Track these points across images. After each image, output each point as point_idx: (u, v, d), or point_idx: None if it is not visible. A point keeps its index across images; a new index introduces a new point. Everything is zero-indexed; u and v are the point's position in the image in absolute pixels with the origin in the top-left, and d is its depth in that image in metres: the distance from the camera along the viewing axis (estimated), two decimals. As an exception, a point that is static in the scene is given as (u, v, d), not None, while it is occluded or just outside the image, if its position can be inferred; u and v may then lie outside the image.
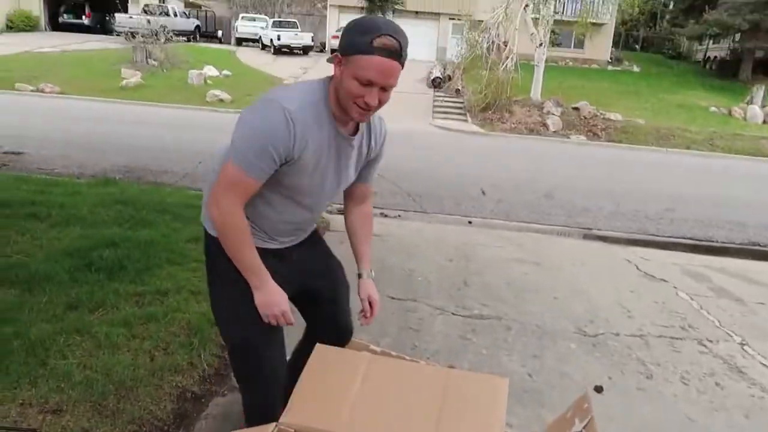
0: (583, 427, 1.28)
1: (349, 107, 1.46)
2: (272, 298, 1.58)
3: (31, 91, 15.42)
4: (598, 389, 2.74)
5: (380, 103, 1.46)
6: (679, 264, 5.04)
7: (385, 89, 1.44)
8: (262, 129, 1.44)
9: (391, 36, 1.38)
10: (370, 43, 1.37)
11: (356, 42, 1.40)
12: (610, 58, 27.29)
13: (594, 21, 22.08)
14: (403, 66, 1.43)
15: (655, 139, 15.13)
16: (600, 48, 26.40)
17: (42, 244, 3.90)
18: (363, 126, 1.62)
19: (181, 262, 3.76)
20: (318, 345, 1.58)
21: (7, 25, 26.41)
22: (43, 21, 28.09)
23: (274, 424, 1.39)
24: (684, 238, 6.16)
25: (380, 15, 5.03)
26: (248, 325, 1.62)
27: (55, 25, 28.31)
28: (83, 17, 28.37)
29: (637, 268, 4.81)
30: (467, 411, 1.37)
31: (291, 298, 1.70)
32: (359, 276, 1.81)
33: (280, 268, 1.66)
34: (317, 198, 1.66)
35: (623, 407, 2.65)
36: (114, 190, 5.63)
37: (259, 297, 1.58)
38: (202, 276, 3.56)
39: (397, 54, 1.40)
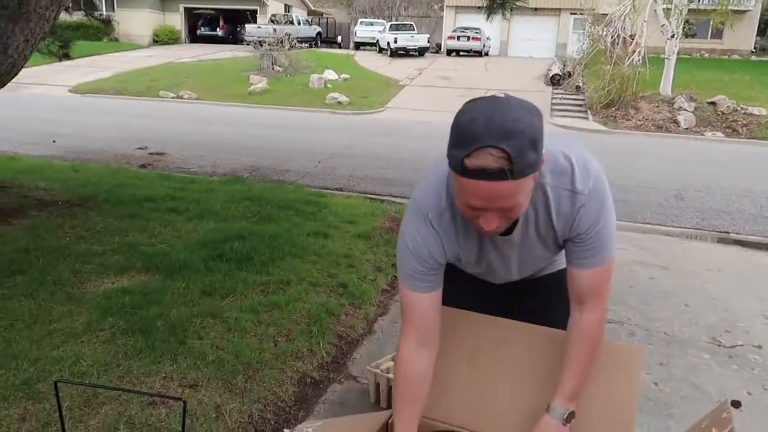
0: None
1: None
2: None
3: (172, 97, 16.91)
4: (736, 404, 2.51)
5: (508, 220, 1.13)
6: (835, 274, 4.48)
7: (506, 210, 1.08)
8: (410, 238, 1.27)
9: (492, 148, 0.99)
10: (461, 162, 1.01)
11: (451, 155, 1.05)
12: (754, 48, 24.80)
13: (736, 8, 20.17)
14: (523, 176, 1.02)
15: (807, 135, 13.52)
16: (742, 37, 24.05)
17: (181, 235, 4.28)
18: (534, 210, 1.24)
19: (302, 255, 3.96)
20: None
21: (153, 39, 29.21)
22: (183, 34, 30.74)
23: (389, 412, 1.42)
24: (843, 246, 5.45)
25: (499, 13, 4.86)
26: None
27: (194, 38, 30.87)
28: (218, 29, 30.66)
29: (784, 276, 4.34)
30: (599, 379, 1.31)
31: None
32: (546, 409, 1.27)
33: (479, 285, 1.55)
34: (497, 278, 1.47)
35: (765, 426, 2.41)
36: (242, 188, 6.03)
37: None
38: (321, 268, 3.75)
39: (501, 173, 1.00)
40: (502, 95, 1.08)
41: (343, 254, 4.07)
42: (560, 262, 1.55)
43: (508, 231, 1.26)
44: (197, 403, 2.26)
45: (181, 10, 30.19)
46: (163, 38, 29.37)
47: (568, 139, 1.30)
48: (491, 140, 0.99)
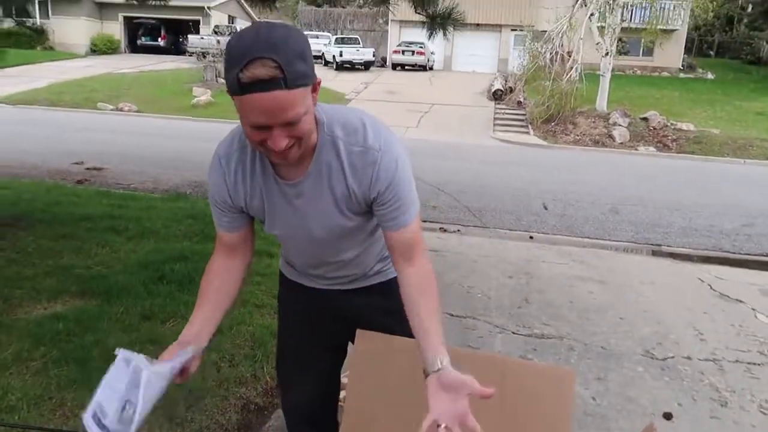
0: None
1: (263, 152, 1.19)
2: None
3: (111, 109, 16.38)
4: (668, 416, 2.63)
5: (297, 138, 1.13)
6: (757, 284, 4.76)
7: (290, 124, 1.09)
8: (209, 180, 1.36)
9: (262, 59, 1.02)
10: (237, 81, 1.04)
11: (228, 79, 1.08)
12: (682, 66, 26.21)
13: (664, 27, 21.31)
14: (295, 87, 1.05)
15: (731, 149, 14.38)
16: (671, 55, 25.40)
17: (120, 257, 4.14)
18: (326, 163, 1.25)
19: (246, 275, 3.89)
20: (359, 332, 1.46)
21: (91, 48, 28.27)
22: (123, 44, 29.89)
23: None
24: (764, 256, 5.81)
25: (440, 31, 4.94)
26: (279, 358, 1.71)
27: (134, 48, 30.07)
28: (159, 39, 29.97)
29: (711, 287, 4.58)
30: (530, 404, 1.33)
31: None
32: (427, 373, 1.18)
33: (309, 306, 1.60)
34: (304, 247, 1.45)
35: (694, 435, 2.53)
36: (185, 205, 5.90)
37: None
38: (265, 289, 3.70)
39: (275, 81, 1.03)
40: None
41: (288, 274, 4.02)
42: (383, 271, 1.55)
43: (299, 175, 1.28)
44: (135, 437, 2.18)
45: (121, 19, 29.37)
46: (101, 47, 28.48)
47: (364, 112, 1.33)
48: (260, 52, 1.02)
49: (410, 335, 1.46)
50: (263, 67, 1.02)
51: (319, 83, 1.15)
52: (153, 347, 2.82)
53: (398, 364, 1.42)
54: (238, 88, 1.05)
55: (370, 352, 1.44)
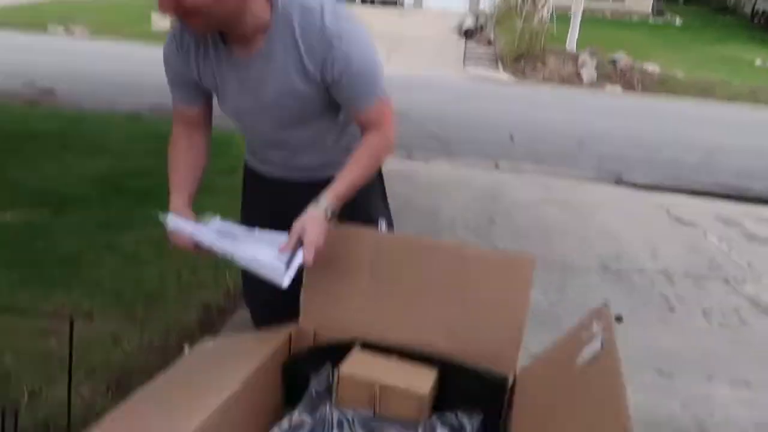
0: (602, 329, 1.24)
1: None
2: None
3: (63, 30, 15.54)
4: (618, 319, 2.73)
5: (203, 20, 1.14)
6: (712, 211, 4.91)
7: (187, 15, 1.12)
8: (164, 53, 1.38)
9: None
10: None
11: None
12: (652, 10, 26.12)
13: (637, -31, 21.06)
14: None
15: (695, 91, 14.56)
16: (641, 0, 25.27)
17: (72, 172, 3.99)
18: (280, 41, 1.24)
19: (210, 192, 3.79)
20: None
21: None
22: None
23: (288, 332, 1.39)
24: (720, 187, 5.97)
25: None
26: None
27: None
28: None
29: (668, 212, 4.70)
30: (490, 290, 1.33)
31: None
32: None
33: (270, 198, 1.57)
34: (256, 120, 1.41)
35: (643, 338, 2.64)
36: (146, 126, 5.70)
37: None
38: (227, 203, 3.63)
39: None
40: None
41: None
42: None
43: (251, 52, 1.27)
44: (94, 334, 2.15)
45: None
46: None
47: None
48: None
49: (367, 225, 1.49)
50: None
51: None
52: (111, 253, 2.78)
53: (356, 250, 1.39)
54: None
55: (327, 241, 1.41)
